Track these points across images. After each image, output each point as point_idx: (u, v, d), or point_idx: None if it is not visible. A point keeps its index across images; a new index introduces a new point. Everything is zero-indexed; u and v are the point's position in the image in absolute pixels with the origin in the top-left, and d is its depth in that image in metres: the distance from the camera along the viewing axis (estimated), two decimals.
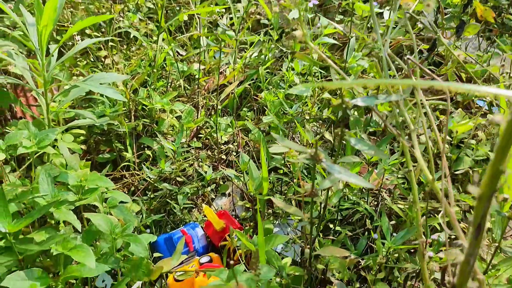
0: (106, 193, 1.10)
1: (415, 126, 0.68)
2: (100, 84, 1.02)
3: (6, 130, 1.26)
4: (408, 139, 0.71)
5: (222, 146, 1.52)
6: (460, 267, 0.49)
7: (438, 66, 1.52)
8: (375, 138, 1.42)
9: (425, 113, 0.69)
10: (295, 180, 1.27)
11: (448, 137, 1.32)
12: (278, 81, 1.59)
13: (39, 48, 1.03)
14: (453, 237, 0.98)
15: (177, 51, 1.83)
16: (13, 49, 1.11)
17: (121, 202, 1.09)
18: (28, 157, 1.20)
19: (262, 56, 1.79)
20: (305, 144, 1.40)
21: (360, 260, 1.00)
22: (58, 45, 1.10)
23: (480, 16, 1.06)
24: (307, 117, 1.40)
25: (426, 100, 0.73)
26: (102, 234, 0.98)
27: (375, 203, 1.20)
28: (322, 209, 0.91)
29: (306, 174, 1.32)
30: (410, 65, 0.72)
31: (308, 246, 0.90)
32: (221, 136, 1.48)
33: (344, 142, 0.87)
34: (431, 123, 0.67)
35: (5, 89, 1.09)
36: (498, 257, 0.91)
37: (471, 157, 1.28)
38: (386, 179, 1.21)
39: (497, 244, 0.82)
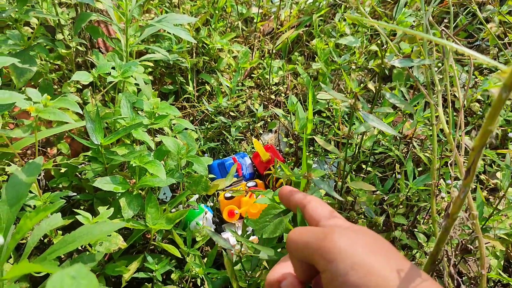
0: (173, 120, 1.29)
1: (441, 87, 0.81)
2: (175, 25, 1.18)
3: (88, 58, 1.46)
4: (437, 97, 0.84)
5: (272, 87, 1.67)
6: (453, 200, 0.64)
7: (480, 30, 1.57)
8: (414, 91, 1.53)
9: (451, 77, 0.81)
10: (336, 124, 1.41)
11: (485, 98, 1.41)
12: (330, 30, 1.69)
13: None
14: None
15: None
16: None
17: (185, 129, 1.28)
18: (105, 85, 1.40)
19: (317, 4, 1.88)
20: (349, 91, 1.53)
21: (385, 197, 1.15)
22: None
23: None
24: (354, 67, 1.52)
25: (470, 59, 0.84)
26: (170, 154, 1.18)
27: (406, 150, 1.34)
28: (357, 150, 1.06)
29: (346, 119, 1.46)
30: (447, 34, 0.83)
31: (341, 180, 1.07)
32: (273, 78, 1.62)
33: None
34: (455, 84, 0.79)
35: (95, 25, 1.26)
36: (508, 207, 1.05)
37: (503, 117, 1.38)
38: (420, 129, 1.34)
39: (504, 193, 0.95)
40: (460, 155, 0.75)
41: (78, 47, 1.27)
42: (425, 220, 1.07)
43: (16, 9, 0.97)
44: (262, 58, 1.76)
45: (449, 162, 0.75)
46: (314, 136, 1.07)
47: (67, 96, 1.17)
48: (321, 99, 1.44)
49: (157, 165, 1.07)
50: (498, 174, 1.20)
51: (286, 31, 1.67)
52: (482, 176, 1.24)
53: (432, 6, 0.85)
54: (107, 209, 0.96)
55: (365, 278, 0.46)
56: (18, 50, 1.05)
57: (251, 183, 1.35)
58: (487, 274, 0.86)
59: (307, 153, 1.45)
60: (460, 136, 0.77)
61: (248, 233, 1.08)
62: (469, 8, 1.34)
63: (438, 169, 0.82)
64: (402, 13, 1.38)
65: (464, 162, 0.81)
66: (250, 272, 0.89)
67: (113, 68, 1.18)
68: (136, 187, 1.11)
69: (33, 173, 0.82)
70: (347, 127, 1.03)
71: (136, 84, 1.33)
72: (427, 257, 1.00)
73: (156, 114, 1.22)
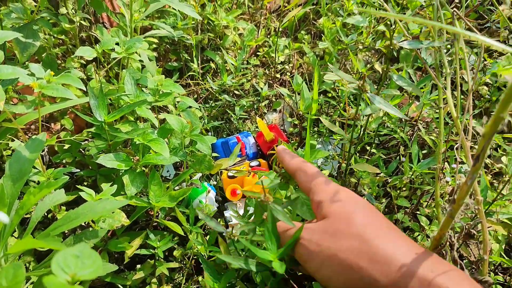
0: (177, 98, 1.28)
1: (451, 70, 0.79)
2: (180, 1, 1.16)
3: (92, 33, 1.44)
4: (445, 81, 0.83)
5: (278, 66, 1.65)
6: (461, 186, 0.63)
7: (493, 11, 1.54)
8: (422, 73, 1.51)
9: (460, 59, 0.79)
10: (341, 104, 1.40)
11: (493, 81, 1.39)
12: (338, 8, 1.66)
13: None
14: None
15: None
16: None
17: (189, 107, 1.27)
18: (108, 61, 1.38)
19: None
20: (355, 72, 1.51)
21: (389, 179, 1.15)
22: None
23: None
24: (361, 47, 1.50)
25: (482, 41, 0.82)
26: (174, 132, 1.18)
27: (411, 133, 1.33)
28: (362, 131, 1.05)
29: (352, 100, 1.45)
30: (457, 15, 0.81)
31: (345, 162, 1.06)
32: (279, 57, 1.60)
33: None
34: (465, 67, 0.78)
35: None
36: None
37: None
38: (425, 112, 1.33)
39: (508, 178, 0.95)
40: (466, 139, 0.75)
41: (82, 22, 1.25)
42: (428, 204, 1.07)
43: None
44: (268, 36, 1.74)
45: (455, 146, 0.74)
46: (319, 117, 1.07)
47: (71, 72, 1.16)
48: (328, 80, 1.42)
49: (160, 143, 1.07)
50: (503, 159, 1.19)
51: (293, 9, 1.64)
52: (487, 160, 1.23)
53: None
54: (110, 186, 0.96)
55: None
56: (21, 24, 1.04)
57: (254, 163, 1.35)
58: (489, 257, 0.86)
59: (312, 134, 1.44)
60: (467, 120, 0.76)
61: (249, 213, 1.08)
62: None
63: (444, 153, 0.81)
64: None
65: (470, 147, 0.80)
66: (244, 252, 0.89)
67: (117, 44, 1.16)
68: (139, 164, 1.11)
69: (36, 149, 0.81)
70: (353, 108, 1.02)
71: (141, 61, 1.32)
72: (429, 240, 1.00)
73: (160, 92, 1.21)
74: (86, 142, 1.16)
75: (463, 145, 0.74)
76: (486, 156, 0.63)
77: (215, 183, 1.28)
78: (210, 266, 0.89)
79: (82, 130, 1.40)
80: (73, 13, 1.24)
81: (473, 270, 0.76)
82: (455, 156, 1.09)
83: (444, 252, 0.75)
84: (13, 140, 1.03)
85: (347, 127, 1.17)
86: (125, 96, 1.15)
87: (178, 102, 1.26)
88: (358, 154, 1.34)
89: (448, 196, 0.79)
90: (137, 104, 1.04)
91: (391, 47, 0.76)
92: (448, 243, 0.71)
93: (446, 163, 1.00)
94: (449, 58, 0.83)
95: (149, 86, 1.19)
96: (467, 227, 0.72)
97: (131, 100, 1.14)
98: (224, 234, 1.16)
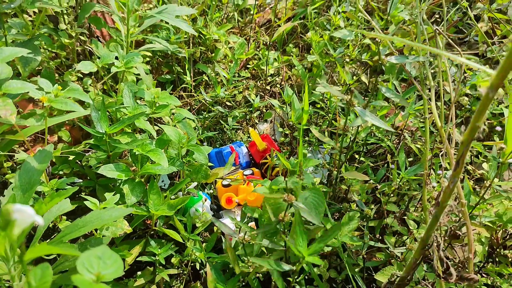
0: (172, 110, 1.32)
1: (434, 82, 0.86)
2: (176, 16, 1.21)
3: (87, 47, 1.48)
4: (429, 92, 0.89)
5: (268, 78, 1.71)
6: (444, 189, 0.69)
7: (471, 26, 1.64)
8: (406, 85, 1.58)
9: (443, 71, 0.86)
10: (330, 115, 1.46)
11: (473, 91, 1.47)
12: (325, 23, 1.73)
13: None
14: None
15: None
16: None
17: (184, 118, 1.31)
18: (104, 74, 1.42)
19: None
20: (342, 83, 1.57)
21: (378, 186, 1.21)
22: None
23: None
24: (347, 59, 1.56)
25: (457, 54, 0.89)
26: (171, 143, 1.22)
27: (397, 141, 1.39)
28: (351, 141, 1.11)
29: (341, 110, 1.51)
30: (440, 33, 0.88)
31: (336, 170, 1.12)
32: (269, 69, 1.66)
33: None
34: (446, 79, 0.84)
35: (97, 16, 1.28)
36: (493, 196, 1.11)
37: (489, 110, 1.44)
38: (410, 121, 1.39)
39: (489, 183, 1.01)
40: (451, 147, 0.81)
41: (81, 36, 1.29)
42: (416, 208, 1.12)
43: None
44: (258, 49, 1.80)
45: (440, 153, 0.80)
46: (309, 127, 1.12)
47: (70, 85, 1.20)
48: (317, 92, 1.48)
49: (159, 154, 1.11)
50: (484, 165, 1.26)
51: (283, 24, 1.71)
52: (469, 167, 1.30)
53: (427, 5, 0.90)
54: (113, 195, 1.00)
55: None
56: (22, 40, 1.08)
57: (248, 171, 1.40)
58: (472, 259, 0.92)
59: (302, 143, 1.50)
60: (450, 129, 0.82)
61: (245, 220, 1.13)
62: (458, 5, 1.39)
63: (430, 160, 0.87)
64: (396, 9, 1.42)
65: (454, 153, 0.86)
66: (251, 257, 0.94)
67: (117, 58, 1.21)
68: (138, 174, 1.14)
69: (44, 160, 0.85)
70: (343, 119, 1.08)
71: (137, 74, 1.36)
72: (417, 243, 1.06)
73: (157, 104, 1.25)
74: (88, 153, 1.19)
75: (448, 152, 0.80)
76: (465, 161, 0.69)
77: (211, 191, 1.32)
78: (217, 270, 0.93)
79: (78, 142, 1.44)
80: (69, 28, 1.28)
81: (459, 269, 0.81)
82: (439, 162, 1.16)
83: (431, 252, 0.81)
84: (15, 152, 1.06)
85: (336, 136, 1.22)
86: (124, 108, 1.19)
87: (173, 113, 1.30)
88: (347, 162, 1.39)
89: (434, 200, 0.85)
90: (138, 116, 1.09)
91: (380, 62, 0.82)
92: (435, 243, 0.77)
93: (431, 169, 1.07)
94: (432, 71, 0.89)
95: (146, 98, 1.24)
96: (452, 228, 0.78)
97: (130, 112, 1.18)
98: (231, 237, 1.21)
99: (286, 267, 0.82)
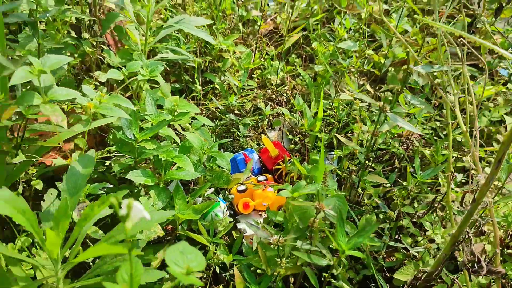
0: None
1: (458, 91, 0.92)
2: (196, 27, 1.25)
3: (101, 55, 1.50)
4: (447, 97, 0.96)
5: (273, 87, 1.76)
6: (481, 187, 0.75)
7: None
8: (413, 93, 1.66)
9: (456, 82, 0.92)
10: (339, 123, 1.52)
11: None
12: (327, 35, 1.80)
13: None
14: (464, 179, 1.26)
15: None
16: None
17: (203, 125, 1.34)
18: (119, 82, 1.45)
19: (310, 8, 1.98)
20: (347, 90, 1.64)
21: (394, 189, 1.26)
22: None
23: None
24: (353, 69, 1.63)
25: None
26: (193, 149, 1.25)
27: (404, 148, 1.46)
28: (371, 146, 1.17)
29: (345, 118, 1.57)
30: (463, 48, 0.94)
31: (356, 174, 1.17)
32: (278, 78, 1.71)
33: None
34: (470, 89, 0.91)
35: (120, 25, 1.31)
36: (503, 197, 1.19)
37: (487, 118, 1.52)
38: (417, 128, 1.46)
39: (501, 185, 1.08)
40: (475, 150, 0.87)
41: (102, 46, 1.32)
42: (433, 210, 1.19)
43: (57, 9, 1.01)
44: (263, 59, 1.85)
45: (466, 156, 0.85)
46: (325, 134, 1.17)
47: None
48: (324, 99, 1.54)
49: (184, 160, 1.14)
50: (486, 169, 1.34)
51: (287, 36, 1.76)
52: (472, 171, 1.38)
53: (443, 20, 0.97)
54: (147, 199, 1.03)
55: None
56: (53, 48, 1.09)
57: (261, 177, 1.44)
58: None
59: (312, 149, 1.55)
60: (475, 134, 0.88)
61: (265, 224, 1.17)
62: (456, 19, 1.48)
63: (455, 163, 0.93)
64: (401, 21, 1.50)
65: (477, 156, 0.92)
66: (284, 258, 0.98)
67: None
68: (162, 180, 1.17)
69: (88, 165, 0.87)
70: (363, 125, 1.13)
71: (156, 82, 1.39)
72: (428, 243, 1.12)
73: (177, 111, 1.28)
74: (111, 159, 1.21)
75: (474, 156, 0.87)
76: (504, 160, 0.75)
77: (232, 196, 1.35)
78: (249, 272, 0.97)
79: (92, 148, 1.45)
80: (91, 37, 1.30)
81: (487, 262, 0.87)
82: (454, 166, 1.22)
83: (461, 247, 0.87)
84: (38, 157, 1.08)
85: (357, 141, 1.28)
86: (147, 116, 1.21)
87: (192, 120, 1.33)
88: (356, 167, 1.45)
89: (460, 200, 0.91)
90: (166, 123, 1.12)
91: (408, 71, 0.88)
92: (467, 238, 0.83)
93: (453, 173, 1.13)
94: (451, 80, 0.96)
95: (166, 106, 1.27)
96: (481, 224, 0.84)
97: (153, 120, 1.20)
98: (250, 240, 1.24)
99: (324, 262, 0.86)
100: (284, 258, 0.97)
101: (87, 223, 0.80)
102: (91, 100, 0.86)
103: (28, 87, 1.06)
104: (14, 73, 0.74)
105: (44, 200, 0.94)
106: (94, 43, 1.29)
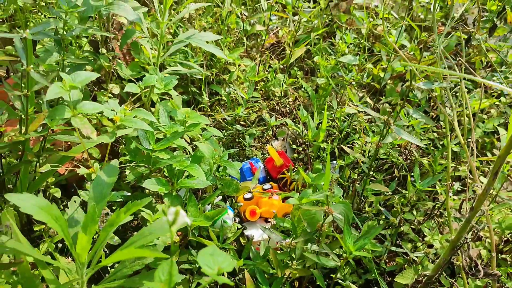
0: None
1: (456, 105, 0.99)
2: (206, 42, 1.31)
3: (113, 69, 1.56)
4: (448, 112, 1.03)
5: (276, 98, 1.83)
6: (478, 197, 0.82)
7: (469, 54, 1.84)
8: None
9: (451, 96, 0.99)
10: (341, 134, 1.59)
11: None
12: (329, 49, 1.88)
13: (161, 11, 1.31)
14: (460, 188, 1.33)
15: (241, 12, 2.09)
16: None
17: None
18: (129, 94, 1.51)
19: (310, 23, 2.06)
20: (347, 103, 1.71)
21: (395, 197, 1.33)
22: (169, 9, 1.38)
23: (510, 22, 1.34)
24: (353, 82, 1.70)
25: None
26: (204, 158, 1.31)
27: (403, 158, 1.53)
28: (374, 156, 1.23)
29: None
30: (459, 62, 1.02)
31: (359, 183, 1.24)
32: (282, 90, 1.78)
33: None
34: (466, 102, 0.98)
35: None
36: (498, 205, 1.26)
37: (482, 129, 1.60)
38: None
39: (495, 193, 1.15)
40: (473, 160, 0.94)
41: (119, 60, 1.38)
42: (432, 217, 1.25)
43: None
44: (266, 72, 1.92)
45: (464, 166, 0.92)
46: (328, 144, 1.24)
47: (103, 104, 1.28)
48: (327, 110, 1.61)
49: (196, 169, 1.20)
50: (482, 178, 1.41)
51: (290, 49, 1.83)
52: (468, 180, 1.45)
53: (443, 40, 1.04)
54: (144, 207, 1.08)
55: None
56: (76, 63, 1.15)
57: (267, 186, 1.50)
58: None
59: (315, 159, 1.62)
60: (472, 145, 0.95)
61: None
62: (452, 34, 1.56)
63: (453, 172, 1.00)
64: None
65: (476, 167, 0.99)
66: (296, 261, 1.04)
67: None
68: (174, 188, 1.23)
69: (113, 174, 0.93)
70: (369, 137, 1.20)
71: (169, 95, 1.45)
72: (427, 249, 1.18)
73: (188, 122, 1.34)
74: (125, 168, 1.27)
75: (471, 166, 0.94)
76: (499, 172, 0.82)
77: (241, 204, 1.41)
78: (262, 274, 1.03)
79: (104, 158, 1.51)
80: (107, 52, 1.37)
81: (483, 266, 0.94)
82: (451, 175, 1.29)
83: (459, 252, 0.93)
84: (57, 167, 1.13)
85: (361, 151, 1.34)
86: (161, 127, 1.28)
87: (202, 131, 1.39)
88: (358, 176, 1.52)
89: (458, 207, 0.98)
90: (180, 134, 1.18)
91: (410, 87, 0.95)
92: (465, 244, 0.89)
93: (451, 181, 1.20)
94: (445, 95, 1.03)
95: (178, 117, 1.33)
96: (478, 230, 0.90)
97: (166, 131, 1.27)
98: (258, 246, 1.30)
99: (332, 263, 0.93)
100: (295, 261, 1.03)
101: (112, 229, 0.85)
102: (116, 113, 0.92)
103: (53, 102, 1.12)
104: (48, 89, 0.80)
105: (68, 207, 0.99)
106: (110, 57, 1.35)
